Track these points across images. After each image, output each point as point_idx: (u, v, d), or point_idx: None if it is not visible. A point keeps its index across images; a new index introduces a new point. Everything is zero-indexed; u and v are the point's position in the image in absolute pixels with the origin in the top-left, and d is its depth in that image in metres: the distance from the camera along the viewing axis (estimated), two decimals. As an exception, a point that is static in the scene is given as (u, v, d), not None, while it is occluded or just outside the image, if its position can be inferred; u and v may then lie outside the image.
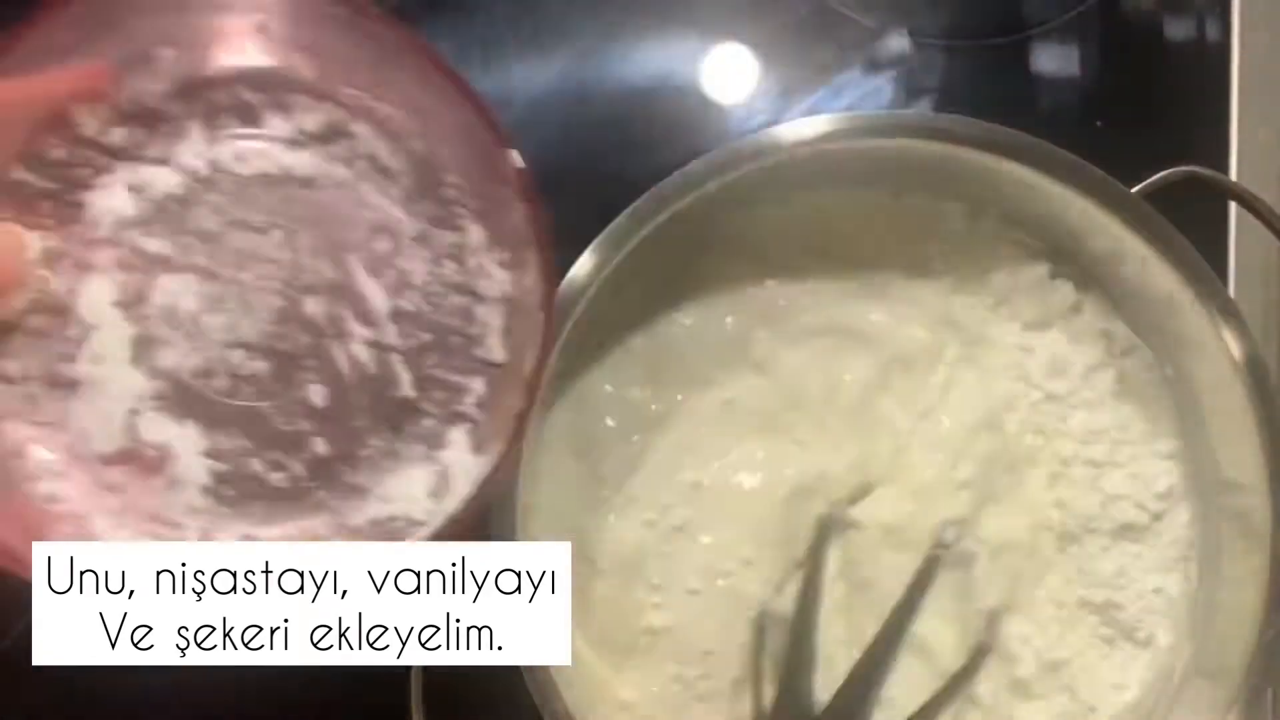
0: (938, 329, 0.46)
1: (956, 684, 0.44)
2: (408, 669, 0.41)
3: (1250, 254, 0.51)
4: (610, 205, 0.41)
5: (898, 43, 0.52)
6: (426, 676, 0.41)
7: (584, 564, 0.44)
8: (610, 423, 0.45)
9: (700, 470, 0.45)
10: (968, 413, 0.45)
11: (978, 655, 0.45)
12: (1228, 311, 0.42)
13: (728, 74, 0.52)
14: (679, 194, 0.41)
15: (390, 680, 0.41)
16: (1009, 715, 0.45)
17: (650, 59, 0.52)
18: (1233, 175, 0.52)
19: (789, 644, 0.44)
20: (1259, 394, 0.42)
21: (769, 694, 0.43)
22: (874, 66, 0.52)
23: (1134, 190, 0.42)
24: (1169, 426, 0.46)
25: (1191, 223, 0.42)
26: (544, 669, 0.40)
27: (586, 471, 0.45)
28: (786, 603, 0.44)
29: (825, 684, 0.44)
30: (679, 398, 0.45)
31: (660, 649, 0.44)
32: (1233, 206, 0.51)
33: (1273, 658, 0.41)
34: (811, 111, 0.52)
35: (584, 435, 0.45)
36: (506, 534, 0.40)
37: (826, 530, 0.44)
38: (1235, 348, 0.42)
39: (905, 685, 0.44)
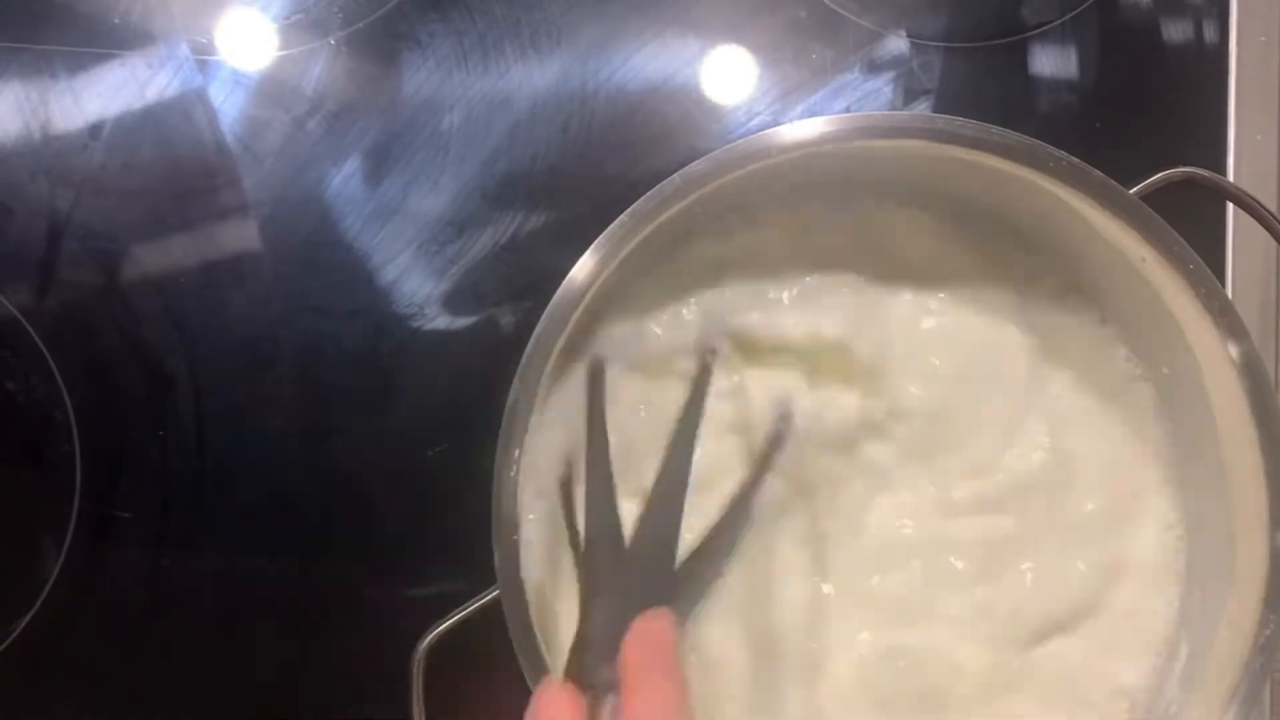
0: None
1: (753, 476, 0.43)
2: (408, 669, 0.41)
3: (1248, 255, 0.51)
4: (610, 205, 0.41)
5: (897, 44, 0.52)
6: (426, 676, 0.41)
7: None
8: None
9: None
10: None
11: (770, 445, 0.44)
12: (1226, 312, 0.42)
13: (727, 75, 0.52)
14: (679, 194, 0.41)
15: (390, 680, 0.41)
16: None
17: (650, 60, 0.52)
18: (1230, 176, 0.52)
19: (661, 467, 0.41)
20: (1257, 394, 0.42)
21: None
22: (873, 68, 0.52)
23: (1132, 191, 0.42)
24: (1165, 428, 0.46)
25: (1190, 224, 0.42)
26: (545, 669, 0.40)
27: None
28: None
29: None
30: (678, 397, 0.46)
31: None
32: (1230, 207, 0.51)
33: (1271, 656, 0.41)
34: (811, 113, 0.52)
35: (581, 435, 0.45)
36: (506, 528, 0.40)
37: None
38: (1233, 348, 0.42)
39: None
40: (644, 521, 0.40)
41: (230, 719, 0.49)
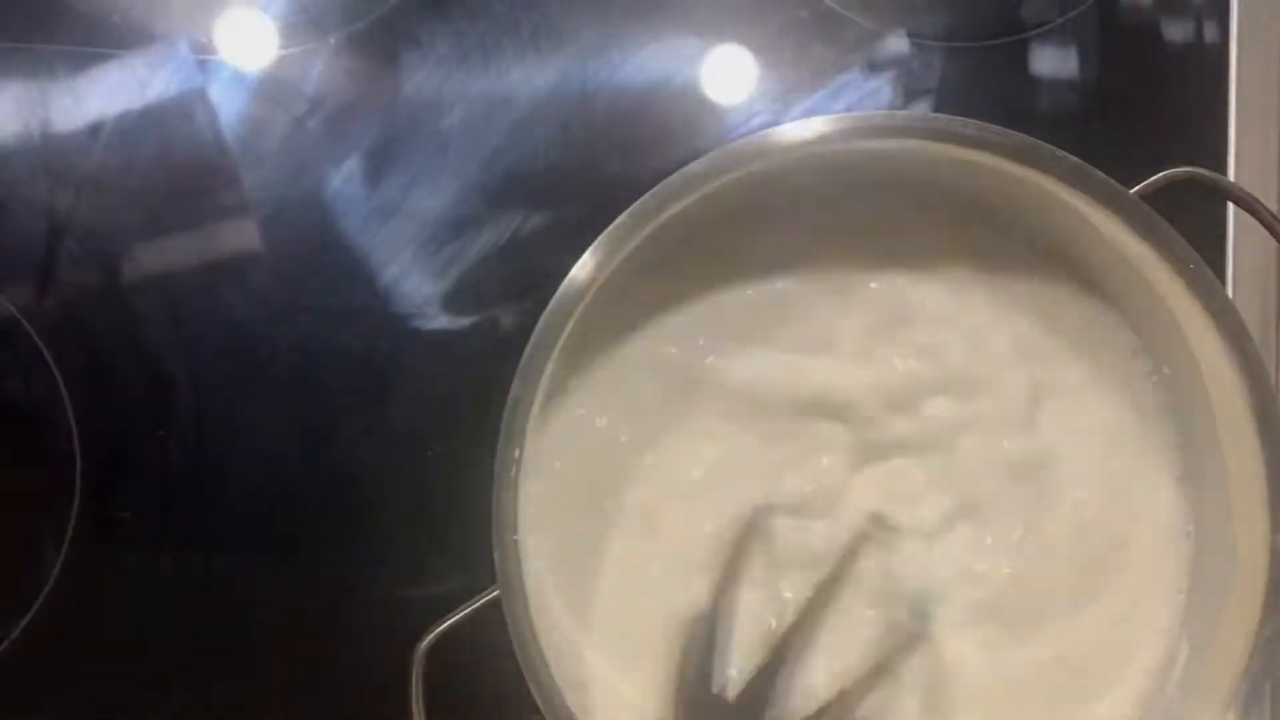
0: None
1: (879, 671, 0.44)
2: (407, 669, 0.41)
3: (1249, 254, 0.51)
4: (610, 205, 0.41)
5: (897, 44, 0.52)
6: (426, 676, 0.41)
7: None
8: (608, 423, 0.45)
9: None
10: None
11: (906, 643, 0.44)
12: (1226, 312, 0.42)
13: (727, 75, 0.52)
14: (679, 194, 0.41)
15: (390, 679, 0.41)
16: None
17: (650, 60, 0.52)
18: (1231, 176, 0.52)
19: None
20: (1258, 393, 0.42)
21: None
22: (873, 68, 0.52)
23: (1133, 191, 0.42)
24: (1167, 427, 0.46)
25: (1190, 223, 0.42)
26: (546, 668, 0.40)
27: (585, 472, 0.45)
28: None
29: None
30: (680, 395, 0.46)
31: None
32: (1231, 207, 0.51)
33: (1272, 657, 0.41)
34: (810, 113, 0.52)
35: (582, 435, 0.45)
36: (506, 528, 0.40)
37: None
38: (1234, 348, 0.42)
39: (828, 674, 0.44)
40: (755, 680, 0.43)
41: (229, 719, 0.49)
